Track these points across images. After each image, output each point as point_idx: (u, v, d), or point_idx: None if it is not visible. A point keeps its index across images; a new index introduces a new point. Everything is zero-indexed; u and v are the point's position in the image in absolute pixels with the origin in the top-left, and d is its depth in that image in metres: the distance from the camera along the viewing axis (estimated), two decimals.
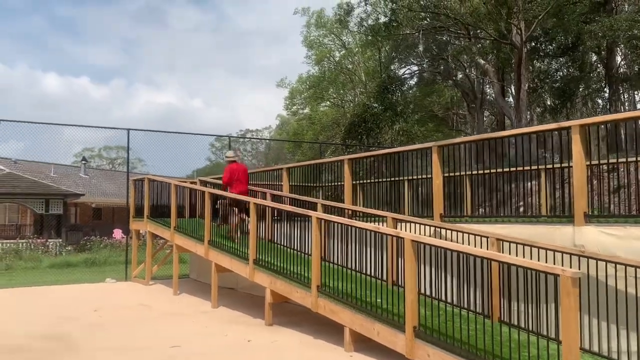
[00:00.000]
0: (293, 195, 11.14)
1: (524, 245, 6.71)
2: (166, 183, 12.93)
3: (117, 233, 22.00)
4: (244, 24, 71.84)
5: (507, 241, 6.92)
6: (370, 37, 28.99)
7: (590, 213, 6.40)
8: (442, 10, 22.38)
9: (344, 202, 10.46)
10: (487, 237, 7.15)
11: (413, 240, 6.23)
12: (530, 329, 5.77)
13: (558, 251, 6.32)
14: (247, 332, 8.39)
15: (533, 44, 28.91)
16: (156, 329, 8.74)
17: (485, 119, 36.14)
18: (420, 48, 28.19)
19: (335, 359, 6.90)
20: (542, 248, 6.49)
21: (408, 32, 26.27)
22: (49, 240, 21.64)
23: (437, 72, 32.42)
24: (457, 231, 7.60)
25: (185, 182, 13.94)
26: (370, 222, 9.20)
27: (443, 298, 6.58)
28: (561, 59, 30.58)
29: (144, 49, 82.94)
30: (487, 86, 33.21)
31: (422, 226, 8.18)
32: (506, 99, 30.00)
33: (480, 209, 8.08)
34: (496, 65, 27.65)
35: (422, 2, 24.31)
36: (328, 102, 35.03)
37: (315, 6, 34.21)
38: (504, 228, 7.26)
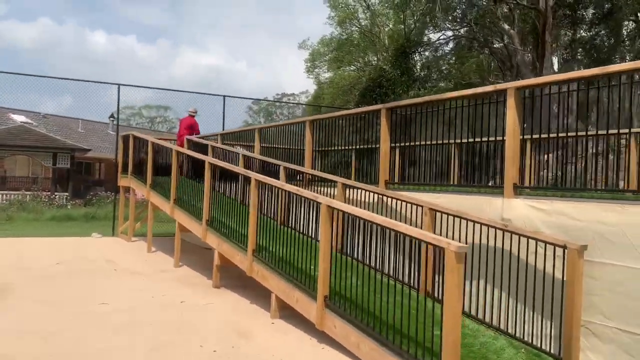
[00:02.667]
0: (260, 157, 10.82)
1: (454, 216, 6.26)
2: (145, 140, 12.77)
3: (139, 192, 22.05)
4: None
5: (439, 211, 6.48)
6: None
7: (520, 185, 5.88)
8: None
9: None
10: (422, 207, 6.71)
11: (328, 206, 5.87)
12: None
13: (484, 224, 5.86)
14: (189, 293, 8.26)
15: (567, 11, 27.44)
16: (101, 284, 8.70)
17: None
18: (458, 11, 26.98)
19: (257, 325, 6.68)
20: (470, 220, 6.03)
21: None
22: (56, 193, 22.03)
23: (472, 39, 31.11)
24: (396, 199, 7.18)
25: (164, 139, 13.74)
26: (324, 186, 8.86)
27: (373, 266, 6.23)
28: (596, 28, 28.90)
29: (190, 9, 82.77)
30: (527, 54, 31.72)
31: (368, 193, 7.77)
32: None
33: (423, 178, 7.60)
34: (522, 31, 26.31)
35: None
36: (352, 67, 34.20)
37: None
38: (440, 197, 6.80)
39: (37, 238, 14.01)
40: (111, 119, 44.46)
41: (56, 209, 19.60)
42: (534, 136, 5.93)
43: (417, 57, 29.25)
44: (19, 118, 31.96)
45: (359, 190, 7.92)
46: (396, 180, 7.82)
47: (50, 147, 24.44)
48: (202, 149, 12.97)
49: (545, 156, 6.55)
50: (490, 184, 6.59)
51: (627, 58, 29.76)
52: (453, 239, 6.23)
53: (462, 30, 31.44)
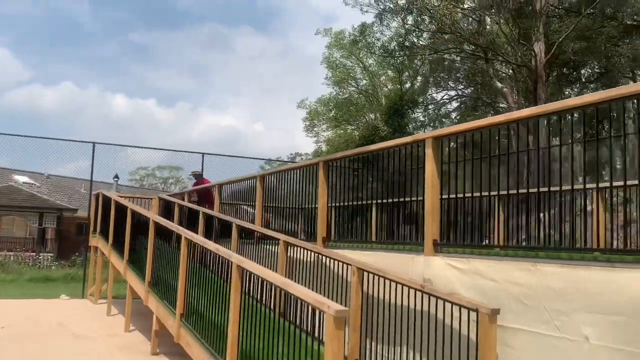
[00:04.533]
0: (219, 215, 10.47)
1: (377, 275, 5.79)
2: (108, 198, 12.53)
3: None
4: (309, 50, 71.90)
5: (365, 270, 6.01)
6: (387, 58, 28.24)
7: (440, 241, 5.42)
8: (448, 30, 21.36)
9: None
10: (350, 266, 6.25)
11: (238, 266, 5.45)
12: None
13: (405, 285, 5.37)
14: None
15: (564, 70, 27.47)
16: (38, 349, 8.36)
17: None
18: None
19: None
20: (392, 280, 5.55)
21: (423, 53, 25.40)
22: (41, 254, 21.79)
23: (476, 98, 31.11)
24: (329, 258, 6.73)
25: (124, 196, 13.48)
26: (272, 244, 8.44)
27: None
28: (592, 85, 28.78)
29: (210, 74, 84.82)
30: None
31: (306, 251, 7.34)
32: None
33: (356, 235, 7.17)
34: (516, 88, 26.21)
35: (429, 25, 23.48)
36: (352, 126, 34.26)
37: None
38: (371, 255, 6.34)
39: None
40: (115, 179, 44.82)
41: (37, 270, 19.27)
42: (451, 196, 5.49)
43: (415, 114, 29.27)
44: (22, 179, 32.20)
45: (299, 249, 7.49)
46: (333, 237, 7.39)
47: (38, 207, 24.38)
48: (169, 207, 12.74)
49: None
50: (413, 240, 6.12)
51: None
52: (378, 299, 5.79)
53: (467, 90, 31.58)
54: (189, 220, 11.46)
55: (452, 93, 32.57)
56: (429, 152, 5.48)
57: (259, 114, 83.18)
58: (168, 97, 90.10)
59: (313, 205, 7.74)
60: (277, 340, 5.13)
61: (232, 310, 5.44)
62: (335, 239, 7.33)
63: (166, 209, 12.84)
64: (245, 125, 77.31)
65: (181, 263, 7.15)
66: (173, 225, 7.86)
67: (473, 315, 4.62)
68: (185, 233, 7.25)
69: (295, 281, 7.59)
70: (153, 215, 9.04)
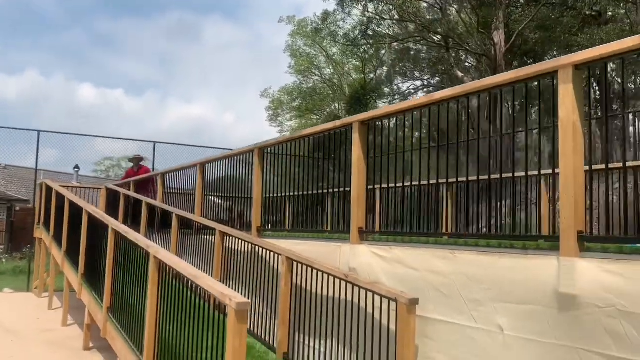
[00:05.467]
0: (161, 205, 10.12)
1: (305, 265, 5.56)
2: (50, 187, 12.04)
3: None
4: (278, 40, 70.53)
5: (295, 260, 5.77)
6: (350, 47, 28.00)
7: (365, 229, 5.21)
8: (408, 18, 21.20)
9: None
10: (280, 255, 6.01)
11: (155, 257, 5.15)
12: None
13: (330, 274, 5.16)
14: (52, 357, 7.43)
15: (525, 59, 27.60)
16: None
17: None
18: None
19: None
20: (319, 270, 5.33)
21: (384, 42, 25.24)
22: None
23: (442, 87, 31.08)
24: (262, 247, 6.48)
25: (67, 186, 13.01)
26: (212, 234, 8.15)
27: None
28: None
29: (179, 64, 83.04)
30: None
31: (242, 241, 7.07)
32: None
33: (287, 224, 6.94)
34: (478, 78, 26.28)
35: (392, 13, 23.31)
36: (316, 116, 33.93)
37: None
38: (301, 245, 6.11)
39: None
40: (75, 169, 43.68)
41: None
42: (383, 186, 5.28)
43: (379, 104, 29.06)
44: None
45: (234, 239, 7.22)
46: (268, 226, 7.13)
47: None
48: (116, 197, 12.34)
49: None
50: (341, 229, 5.89)
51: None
52: (308, 290, 5.57)
53: (433, 80, 31.54)
54: (135, 210, 11.10)
55: (418, 83, 32.54)
56: (355, 136, 5.25)
57: (229, 104, 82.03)
58: (136, 87, 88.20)
59: (250, 195, 7.46)
60: (205, 334, 4.88)
61: (149, 302, 5.16)
62: (269, 228, 7.08)
63: (114, 199, 12.42)
64: (215, 115, 76.18)
65: (108, 254, 6.82)
66: (102, 215, 7.49)
67: (393, 305, 4.42)
68: (112, 223, 6.91)
69: (231, 272, 7.36)
70: (85, 204, 8.66)
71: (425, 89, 33.57)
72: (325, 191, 6.17)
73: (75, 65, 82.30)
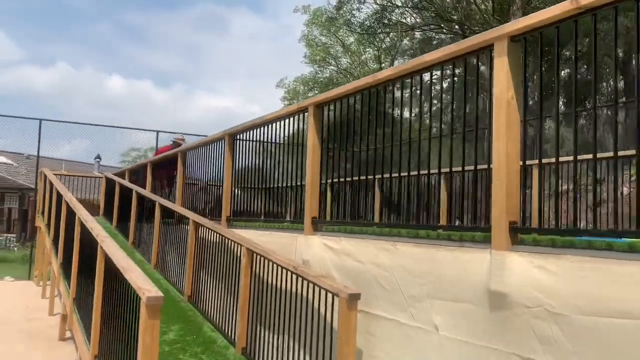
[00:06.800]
0: (150, 195, 9.95)
1: (262, 256, 5.29)
2: (46, 176, 12.00)
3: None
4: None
5: (254, 252, 5.51)
6: (366, 36, 27.55)
7: (319, 219, 4.91)
8: (421, 5, 20.68)
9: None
10: (241, 246, 5.75)
11: (101, 247, 4.94)
12: None
13: (283, 267, 4.88)
14: (28, 347, 7.38)
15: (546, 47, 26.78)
16: None
17: None
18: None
19: None
20: (273, 262, 5.06)
21: (397, 30, 24.72)
22: (3, 234, 21.27)
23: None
24: (227, 238, 6.23)
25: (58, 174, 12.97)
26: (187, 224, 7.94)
27: None
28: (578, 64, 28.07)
29: (205, 55, 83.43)
30: None
31: (209, 231, 6.85)
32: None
33: (253, 214, 6.66)
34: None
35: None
36: None
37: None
38: (265, 235, 5.84)
39: None
40: (97, 159, 44.16)
41: None
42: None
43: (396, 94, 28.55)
44: None
45: (205, 228, 6.99)
46: (235, 215, 6.88)
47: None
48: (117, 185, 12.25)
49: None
50: (297, 218, 5.59)
51: None
52: (265, 281, 5.31)
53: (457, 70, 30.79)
54: (129, 200, 10.96)
55: (439, 73, 31.91)
56: (310, 121, 4.95)
57: (255, 95, 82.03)
58: (164, 78, 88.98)
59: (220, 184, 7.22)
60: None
61: (95, 295, 4.96)
62: (238, 218, 6.82)
63: (113, 188, 12.33)
64: (241, 106, 76.34)
65: (75, 242, 6.67)
66: (74, 205, 7.32)
67: (338, 300, 4.13)
68: (79, 212, 6.74)
69: (204, 263, 7.13)
70: (66, 192, 8.52)
71: (447, 79, 33.02)
72: (287, 179, 5.88)
73: (104, 56, 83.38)
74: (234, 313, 5.84)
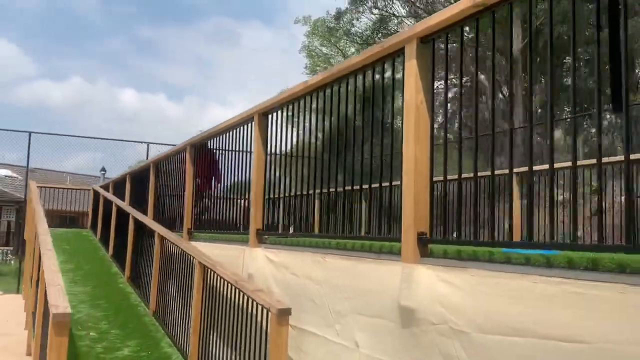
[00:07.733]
0: (126, 207, 9.86)
1: (211, 270, 5.15)
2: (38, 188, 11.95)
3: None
4: None
5: (205, 265, 5.36)
6: (365, 45, 27.43)
7: (263, 230, 4.76)
8: (416, 13, 20.56)
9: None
10: (194, 259, 5.62)
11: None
12: None
13: (226, 280, 4.73)
14: None
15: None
16: None
17: None
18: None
19: None
20: (219, 275, 4.92)
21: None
22: (0, 247, 21.30)
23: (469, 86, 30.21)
24: (184, 251, 6.10)
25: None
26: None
27: None
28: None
29: (217, 68, 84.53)
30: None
31: (171, 244, 6.72)
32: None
33: (210, 226, 6.52)
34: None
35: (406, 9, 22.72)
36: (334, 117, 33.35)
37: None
38: (219, 248, 5.70)
39: None
40: (102, 172, 44.32)
41: None
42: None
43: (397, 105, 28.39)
44: (3, 172, 31.75)
45: (168, 241, 6.87)
46: (196, 228, 6.74)
47: None
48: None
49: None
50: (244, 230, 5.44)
51: None
52: (215, 296, 5.16)
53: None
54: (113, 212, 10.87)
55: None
56: (255, 130, 4.81)
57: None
58: (176, 92, 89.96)
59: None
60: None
61: (38, 306, 4.85)
62: (198, 229, 6.69)
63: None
64: None
65: (36, 255, 6.57)
66: (38, 217, 7.25)
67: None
68: (39, 225, 6.66)
69: (169, 276, 6.99)
70: (37, 205, 8.45)
71: (455, 89, 32.82)
72: (239, 189, 5.75)
73: (118, 71, 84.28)
74: (188, 327, 5.71)
